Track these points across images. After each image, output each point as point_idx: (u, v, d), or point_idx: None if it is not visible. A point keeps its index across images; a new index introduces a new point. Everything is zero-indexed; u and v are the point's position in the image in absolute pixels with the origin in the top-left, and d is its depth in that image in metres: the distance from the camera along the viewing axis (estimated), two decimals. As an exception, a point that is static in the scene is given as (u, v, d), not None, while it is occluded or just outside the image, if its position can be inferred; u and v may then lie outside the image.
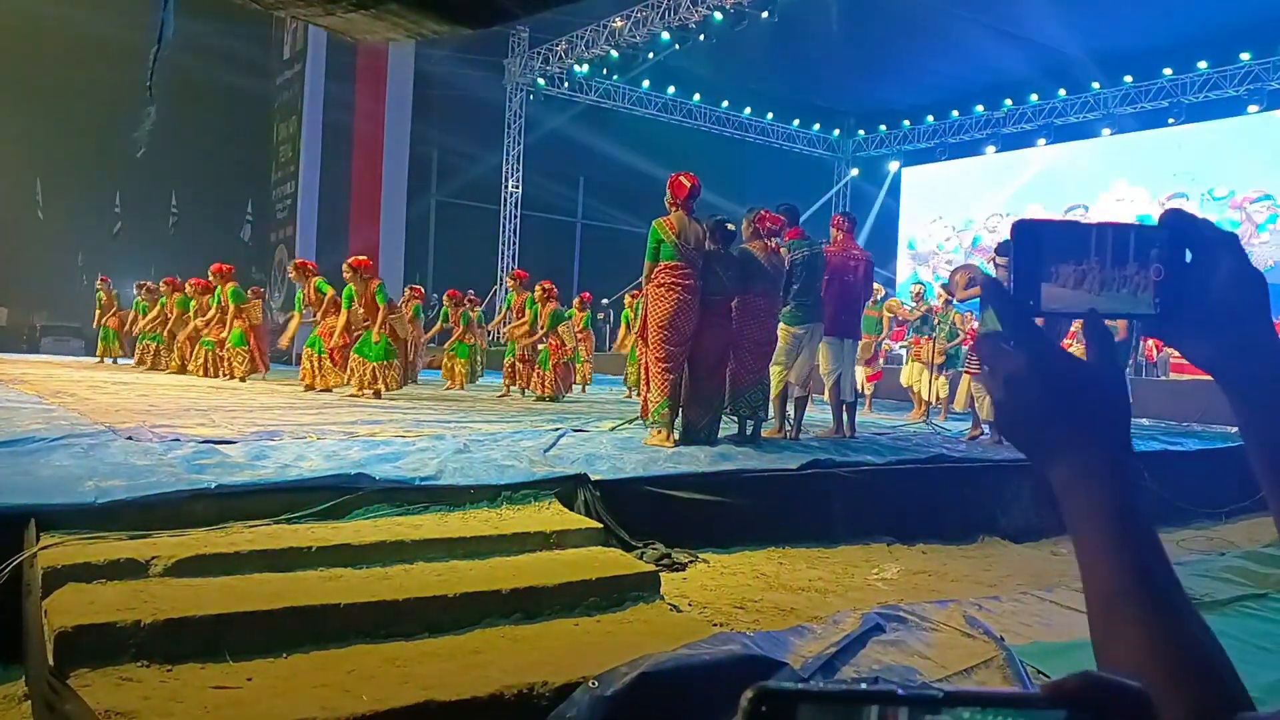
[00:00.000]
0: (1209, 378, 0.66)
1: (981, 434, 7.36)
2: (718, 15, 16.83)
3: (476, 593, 3.05)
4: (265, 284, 19.52)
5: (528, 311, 10.08)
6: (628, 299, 13.06)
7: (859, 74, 20.91)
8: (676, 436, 5.75)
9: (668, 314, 5.65)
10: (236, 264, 12.33)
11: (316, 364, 9.26)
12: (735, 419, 6.21)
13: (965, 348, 9.02)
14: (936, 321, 9.69)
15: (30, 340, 19.51)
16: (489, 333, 13.90)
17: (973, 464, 5.92)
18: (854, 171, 26.08)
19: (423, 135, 21.00)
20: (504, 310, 13.78)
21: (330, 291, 9.37)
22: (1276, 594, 3.82)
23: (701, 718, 2.20)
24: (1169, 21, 16.87)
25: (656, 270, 5.72)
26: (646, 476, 4.60)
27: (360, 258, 9.17)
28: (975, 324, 8.90)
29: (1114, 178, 20.29)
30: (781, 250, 6.45)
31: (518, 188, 21.79)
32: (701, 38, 17.58)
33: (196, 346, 11.62)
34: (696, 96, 22.88)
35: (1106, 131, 20.60)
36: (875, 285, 8.82)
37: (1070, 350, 0.67)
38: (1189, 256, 0.66)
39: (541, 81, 21.00)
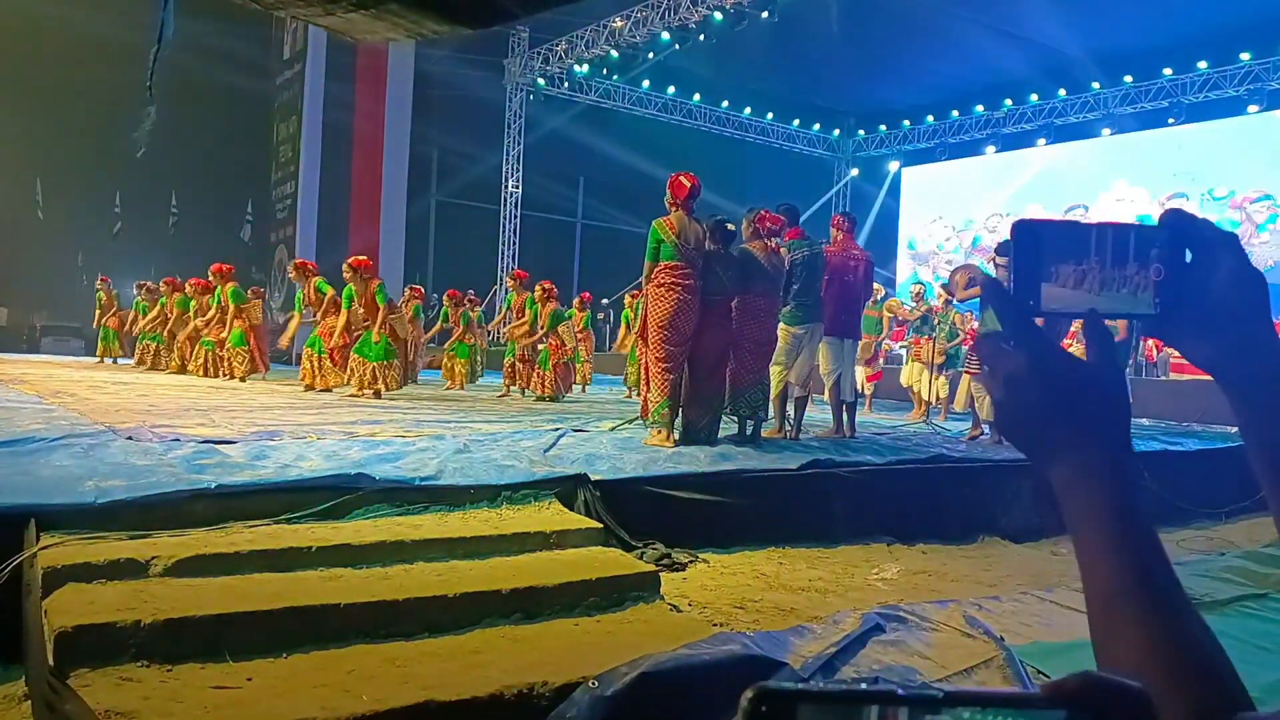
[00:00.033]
0: (1209, 378, 0.66)
1: (981, 434, 7.36)
2: (718, 15, 16.83)
3: (476, 593, 3.05)
4: (265, 284, 19.52)
5: (528, 311, 10.08)
6: (628, 299, 13.05)
7: (859, 74, 20.90)
8: (676, 436, 5.75)
9: (668, 314, 5.65)
10: (236, 264, 12.32)
11: (316, 364, 9.26)
12: (735, 419, 6.21)
13: (965, 348, 9.01)
14: (936, 321, 9.69)
15: (30, 340, 19.50)
16: (489, 333, 13.90)
17: (973, 464, 5.92)
18: (854, 171, 26.08)
19: (423, 135, 20.99)
20: (504, 310, 13.78)
21: (330, 291, 9.37)
22: (1276, 594, 3.82)
23: (701, 718, 2.20)
24: (1169, 21, 16.87)
25: (656, 270, 5.72)
26: (646, 476, 4.60)
27: (360, 258, 9.17)
28: (975, 324, 8.90)
29: (1114, 178, 20.28)
30: (781, 250, 6.45)
31: (518, 188, 21.78)
32: (701, 38, 17.57)
33: (196, 346, 11.61)
34: (696, 96, 22.88)
35: (1106, 131, 20.60)
36: (875, 285, 8.82)
37: (1070, 350, 0.67)
38: (1189, 256, 0.66)
39: (541, 81, 20.99)
